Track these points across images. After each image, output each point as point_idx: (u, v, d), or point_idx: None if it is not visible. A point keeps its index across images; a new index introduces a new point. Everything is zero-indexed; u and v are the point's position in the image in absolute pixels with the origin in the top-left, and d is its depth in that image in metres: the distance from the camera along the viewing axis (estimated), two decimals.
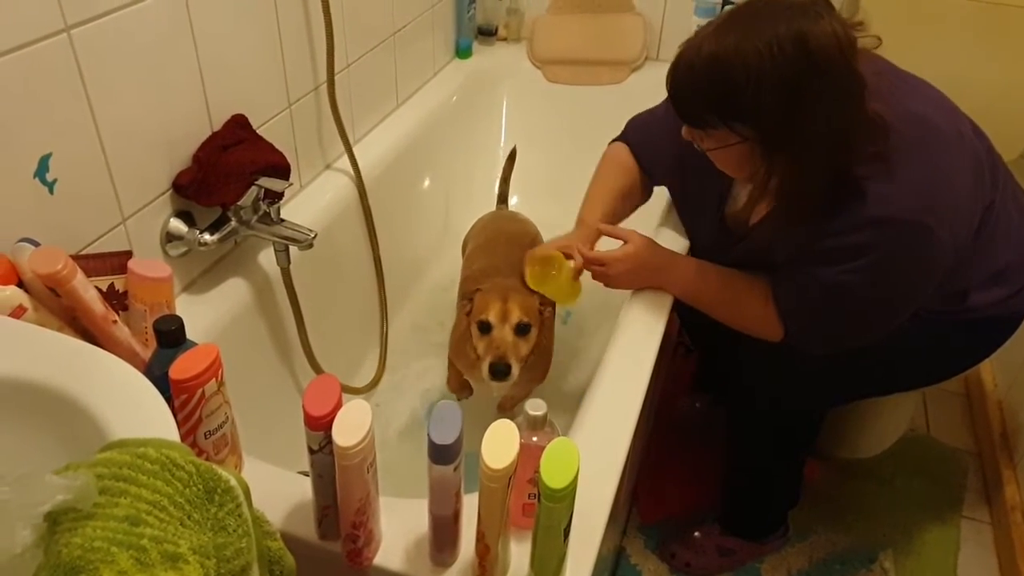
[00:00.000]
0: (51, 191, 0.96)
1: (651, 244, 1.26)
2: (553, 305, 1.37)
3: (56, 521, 0.54)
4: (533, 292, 1.31)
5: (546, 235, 1.68)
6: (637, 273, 1.26)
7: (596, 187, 1.41)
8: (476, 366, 1.32)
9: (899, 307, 1.11)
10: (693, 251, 1.38)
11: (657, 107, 1.40)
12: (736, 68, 0.94)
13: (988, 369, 1.90)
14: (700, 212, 1.32)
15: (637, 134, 1.43)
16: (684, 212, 1.41)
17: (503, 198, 1.77)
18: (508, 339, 1.26)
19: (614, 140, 1.47)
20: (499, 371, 1.23)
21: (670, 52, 2.17)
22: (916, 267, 1.06)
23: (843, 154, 0.99)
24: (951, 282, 1.12)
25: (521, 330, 1.26)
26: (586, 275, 1.30)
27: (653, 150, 1.39)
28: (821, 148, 0.98)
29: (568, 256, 1.29)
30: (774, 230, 1.12)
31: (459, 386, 1.54)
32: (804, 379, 1.25)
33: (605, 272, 1.26)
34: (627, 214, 1.42)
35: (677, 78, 1.03)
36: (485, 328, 1.27)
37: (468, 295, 1.33)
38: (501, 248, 1.51)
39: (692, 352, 1.87)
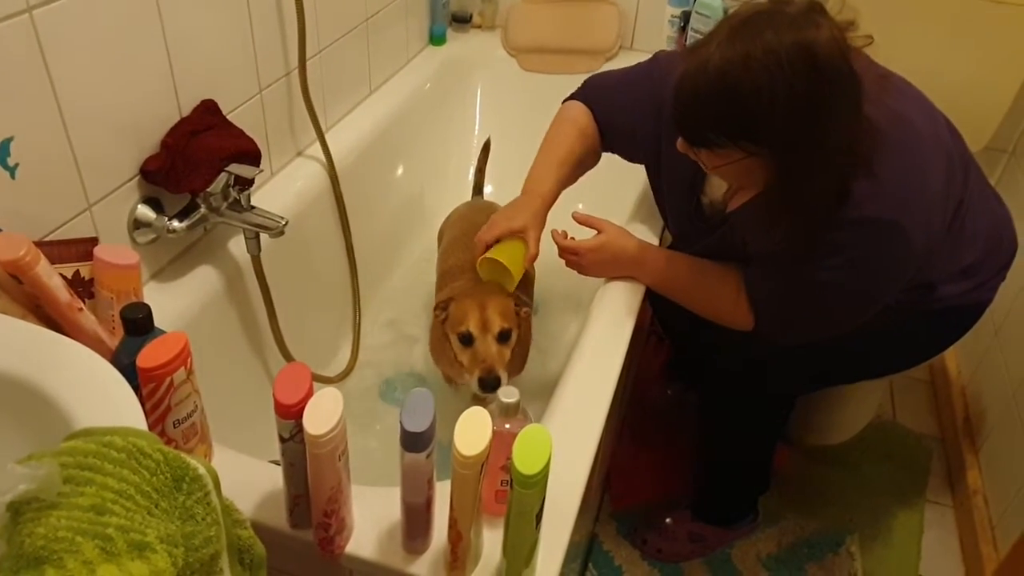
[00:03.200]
0: (13, 176, 0.94)
1: (624, 234, 1.27)
2: (530, 304, 1.37)
3: (19, 511, 0.53)
4: (509, 293, 1.28)
5: None
6: (610, 263, 1.27)
7: (549, 151, 1.33)
8: (457, 367, 1.32)
9: (870, 303, 1.13)
10: (667, 233, 1.38)
11: (626, 72, 1.36)
12: (746, 88, 0.92)
13: (952, 356, 1.93)
14: (676, 194, 1.32)
15: (601, 99, 1.36)
16: (659, 192, 1.39)
17: (478, 188, 1.77)
18: (492, 350, 1.23)
19: (569, 98, 1.40)
20: (489, 385, 1.20)
21: (644, 41, 2.17)
22: (890, 265, 1.07)
23: (848, 158, 0.98)
24: (921, 275, 1.14)
25: (503, 338, 1.24)
26: (558, 261, 1.29)
27: (619, 119, 1.34)
28: (832, 155, 0.96)
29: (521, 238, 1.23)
30: (755, 220, 1.13)
31: (454, 389, 1.55)
32: (776, 366, 1.27)
33: (579, 262, 1.27)
34: (575, 180, 1.37)
35: (682, 100, 0.99)
36: (467, 340, 1.24)
37: (442, 303, 1.30)
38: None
39: (664, 340, 1.88)
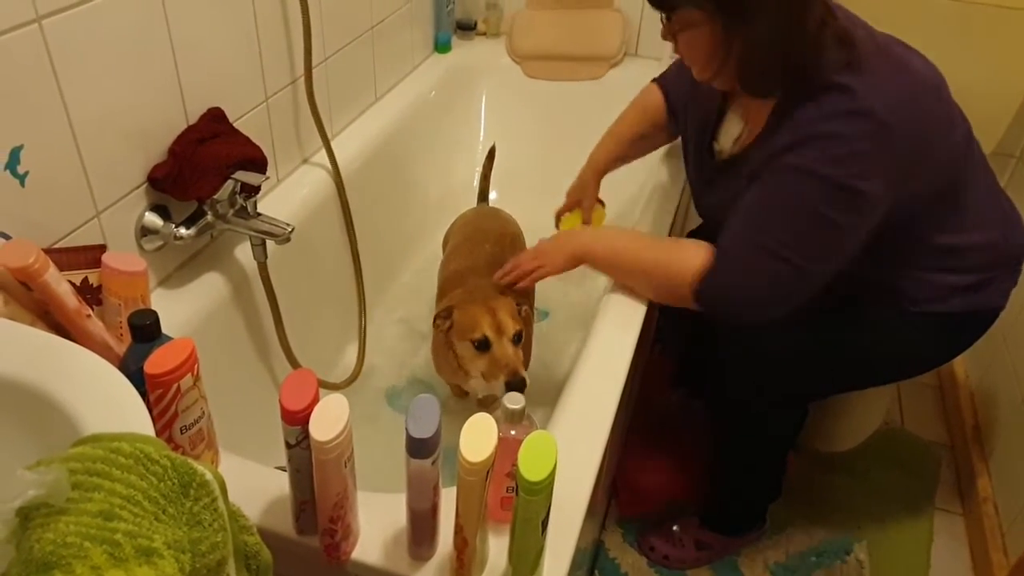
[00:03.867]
0: (22, 184, 0.95)
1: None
2: (531, 302, 1.37)
3: (28, 517, 0.53)
4: (505, 292, 1.30)
5: (527, 231, 1.68)
6: (563, 242, 1.28)
7: (614, 127, 1.54)
8: (461, 374, 1.32)
9: (834, 239, 1.08)
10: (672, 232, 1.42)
11: None
12: None
13: (961, 362, 1.93)
14: (692, 143, 1.35)
15: (673, 76, 1.47)
16: (686, 150, 1.41)
17: (484, 195, 1.77)
18: (510, 352, 1.21)
19: (653, 80, 1.53)
20: (516, 387, 1.18)
21: (648, 48, 2.19)
22: (869, 167, 1.03)
23: (796, 27, 1.03)
24: (913, 234, 1.15)
25: (517, 339, 1.24)
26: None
27: (678, 89, 1.43)
28: (773, 15, 1.02)
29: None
30: (753, 149, 1.15)
31: (461, 393, 1.55)
32: (783, 371, 1.26)
33: (536, 250, 1.30)
34: (639, 155, 1.56)
35: None
36: (483, 346, 1.22)
37: (443, 313, 1.28)
38: (479, 247, 1.51)
39: (670, 346, 1.88)
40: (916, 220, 1.15)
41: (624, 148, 1.51)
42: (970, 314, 1.23)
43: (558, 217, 1.60)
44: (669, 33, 1.12)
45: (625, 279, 1.25)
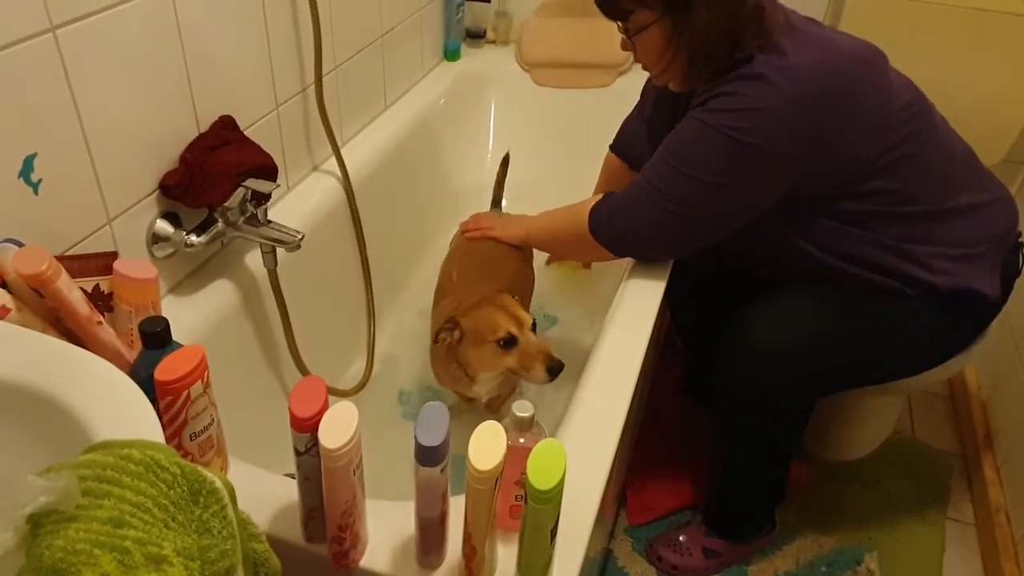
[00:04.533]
0: (36, 191, 0.95)
1: None
2: (528, 297, 1.46)
3: (38, 523, 0.53)
4: (501, 290, 1.33)
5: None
6: (514, 224, 1.50)
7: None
8: (465, 381, 1.33)
9: (722, 191, 1.17)
10: None
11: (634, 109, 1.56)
12: None
13: (972, 371, 1.91)
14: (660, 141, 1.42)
15: (624, 136, 1.57)
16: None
17: (497, 202, 1.77)
18: (536, 341, 1.24)
19: (610, 146, 1.61)
20: (556, 370, 1.21)
21: None
22: (764, 125, 1.11)
23: (735, 13, 1.11)
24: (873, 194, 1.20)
25: (534, 328, 1.26)
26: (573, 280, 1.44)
27: (633, 141, 1.52)
28: (713, 4, 1.10)
29: None
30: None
31: (468, 399, 1.55)
32: (785, 366, 1.26)
33: (494, 219, 1.52)
34: None
35: None
36: (510, 343, 1.23)
37: (448, 326, 1.27)
38: (474, 254, 1.51)
39: (680, 353, 1.87)
40: (874, 184, 1.20)
41: None
42: (961, 293, 1.25)
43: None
44: (628, 40, 1.21)
45: (558, 248, 1.49)
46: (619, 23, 1.21)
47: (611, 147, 1.59)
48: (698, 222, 1.22)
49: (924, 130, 1.21)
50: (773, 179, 1.18)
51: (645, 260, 1.32)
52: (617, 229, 1.28)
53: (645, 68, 1.26)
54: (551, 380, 1.22)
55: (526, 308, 1.37)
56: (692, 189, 1.18)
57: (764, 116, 1.11)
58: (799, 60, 1.11)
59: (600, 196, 1.31)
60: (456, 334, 1.27)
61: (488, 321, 1.24)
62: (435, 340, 1.29)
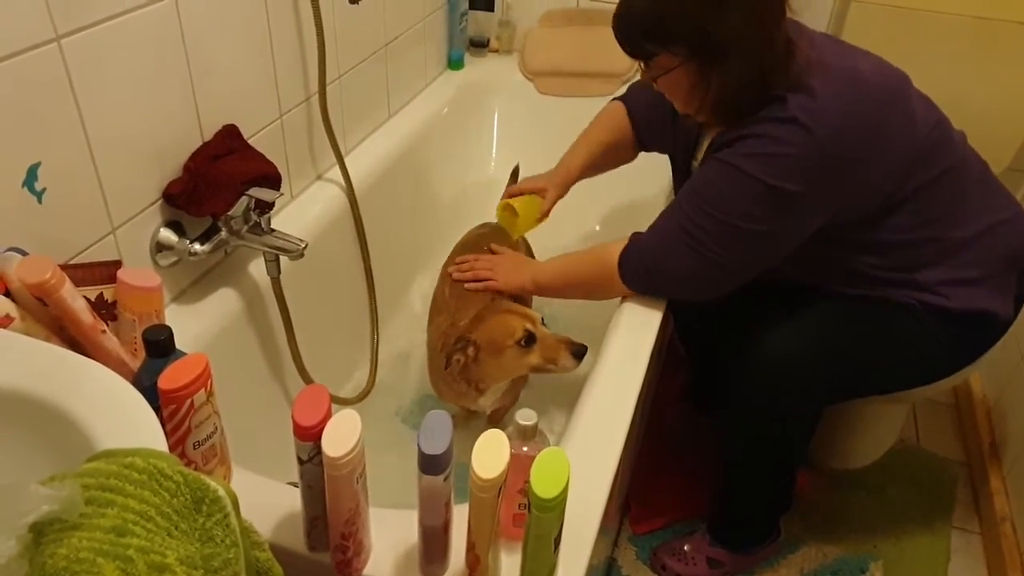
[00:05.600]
0: (40, 200, 0.96)
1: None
2: (528, 305, 1.42)
3: (41, 532, 0.53)
4: (495, 297, 1.34)
5: (535, 244, 1.69)
6: (517, 269, 1.42)
7: (584, 136, 1.54)
8: (473, 393, 1.33)
9: (754, 235, 1.14)
10: None
11: None
12: None
13: (977, 380, 1.91)
14: (678, 161, 1.41)
15: (637, 97, 1.51)
16: (673, 172, 1.49)
17: None
18: (550, 332, 1.26)
19: (615, 98, 1.55)
20: (582, 352, 1.23)
21: None
22: (794, 169, 1.09)
23: (766, 58, 1.08)
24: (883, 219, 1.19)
25: (544, 323, 1.28)
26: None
27: (649, 115, 1.47)
28: (744, 51, 1.07)
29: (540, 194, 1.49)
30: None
31: (469, 413, 1.55)
32: (792, 377, 1.26)
33: (492, 262, 1.43)
34: (607, 168, 1.56)
35: (618, 17, 1.14)
36: (531, 340, 1.24)
37: (460, 344, 1.26)
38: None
39: (683, 361, 1.87)
40: (896, 215, 1.19)
41: (596, 157, 1.53)
42: (974, 314, 1.24)
43: (504, 200, 1.51)
44: (650, 78, 1.18)
45: (572, 293, 1.39)
46: (640, 63, 1.18)
47: (624, 102, 1.53)
48: (735, 267, 1.19)
49: (946, 155, 1.20)
50: (809, 221, 1.16)
51: (662, 294, 1.29)
52: (652, 276, 1.25)
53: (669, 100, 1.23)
54: (579, 364, 1.24)
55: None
56: (732, 237, 1.15)
57: (801, 163, 1.09)
58: (828, 104, 1.08)
59: (624, 241, 1.26)
60: (471, 351, 1.26)
61: (502, 327, 1.25)
62: (447, 365, 1.28)
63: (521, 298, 1.45)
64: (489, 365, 1.27)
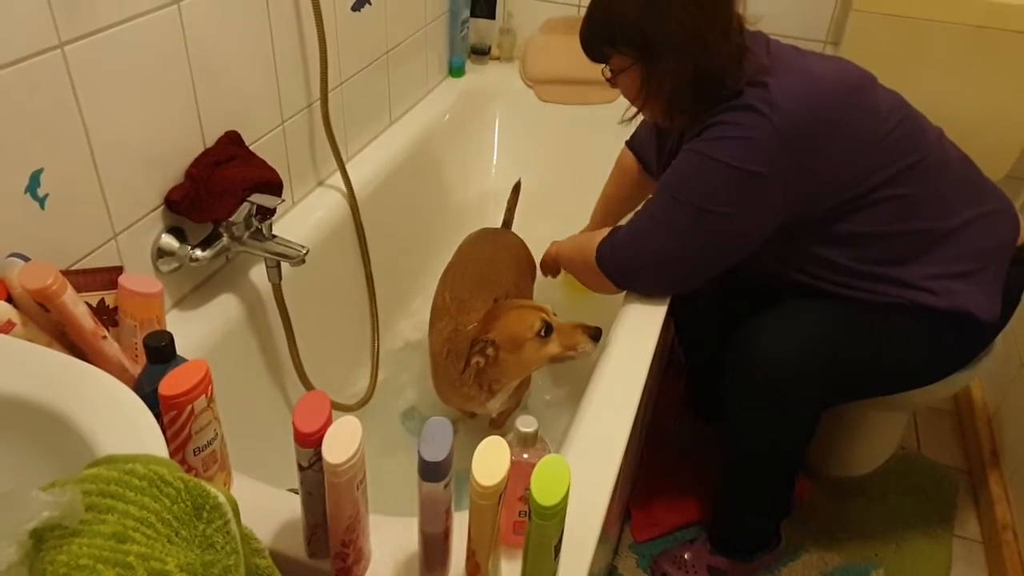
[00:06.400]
0: (42, 206, 0.96)
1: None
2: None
3: (42, 538, 0.53)
4: (499, 298, 1.37)
5: (536, 251, 1.69)
6: (570, 249, 1.46)
7: (601, 195, 1.69)
8: (478, 399, 1.34)
9: (723, 220, 1.18)
10: None
11: None
12: (612, 1, 1.19)
13: (978, 387, 1.90)
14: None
15: (638, 134, 1.59)
16: None
17: (507, 226, 1.78)
18: (563, 320, 1.29)
19: (627, 141, 1.64)
20: (598, 334, 1.27)
21: None
22: (759, 152, 1.14)
23: (703, 60, 1.15)
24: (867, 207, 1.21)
25: (554, 315, 1.31)
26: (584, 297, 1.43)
27: (647, 144, 1.55)
28: (679, 53, 1.16)
29: None
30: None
31: (470, 415, 1.55)
32: (787, 379, 1.26)
33: (554, 254, 1.50)
34: (626, 213, 1.61)
35: (582, 23, 1.25)
36: (549, 330, 1.26)
37: (479, 348, 1.26)
38: (467, 270, 1.52)
39: (684, 368, 1.87)
40: (871, 208, 1.22)
41: (615, 213, 1.65)
42: (960, 315, 1.24)
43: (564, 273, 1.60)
44: (610, 80, 1.28)
45: (575, 272, 1.44)
46: (601, 65, 1.27)
47: (627, 143, 1.62)
48: (701, 254, 1.24)
49: (916, 148, 1.23)
50: (774, 206, 1.20)
51: (646, 295, 1.31)
52: (621, 262, 1.29)
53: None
54: (596, 347, 1.27)
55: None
56: (696, 221, 1.20)
57: (761, 144, 1.14)
58: (781, 95, 1.14)
59: (609, 229, 1.33)
60: (491, 351, 1.26)
61: (518, 322, 1.26)
62: (464, 369, 1.29)
63: (523, 292, 1.47)
64: (509, 362, 1.28)
